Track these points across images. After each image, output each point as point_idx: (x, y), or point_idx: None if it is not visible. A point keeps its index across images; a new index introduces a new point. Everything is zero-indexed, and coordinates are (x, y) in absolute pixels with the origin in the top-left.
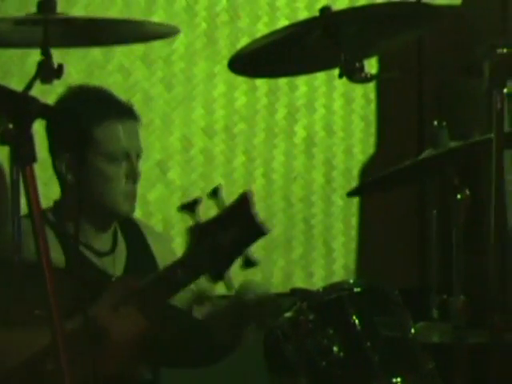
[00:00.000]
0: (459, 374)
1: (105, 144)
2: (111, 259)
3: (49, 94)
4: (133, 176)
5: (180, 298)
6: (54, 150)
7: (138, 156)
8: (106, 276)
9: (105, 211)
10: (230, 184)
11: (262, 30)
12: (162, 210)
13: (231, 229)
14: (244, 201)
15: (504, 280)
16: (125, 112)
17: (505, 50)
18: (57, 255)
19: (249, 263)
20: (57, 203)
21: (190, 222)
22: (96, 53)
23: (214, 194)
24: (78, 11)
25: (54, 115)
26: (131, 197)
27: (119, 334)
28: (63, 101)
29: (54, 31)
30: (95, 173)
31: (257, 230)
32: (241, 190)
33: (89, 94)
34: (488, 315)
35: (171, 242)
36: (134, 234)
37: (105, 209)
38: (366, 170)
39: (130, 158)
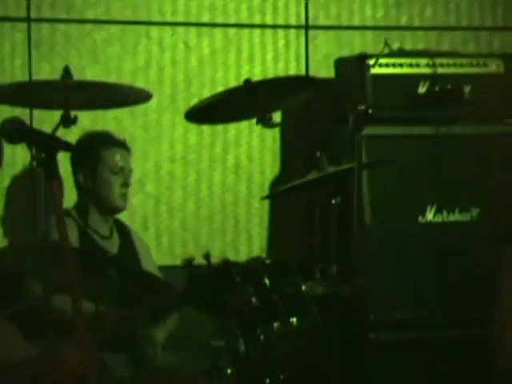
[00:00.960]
0: (334, 314)
1: (109, 162)
2: (110, 242)
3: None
4: (125, 184)
5: None
6: (75, 167)
7: (130, 171)
8: (105, 252)
9: (107, 206)
10: (185, 193)
11: (206, 93)
12: (141, 212)
13: None
14: None
15: (363, 255)
16: (120, 144)
17: (363, 107)
18: (74, 239)
19: None
20: (76, 203)
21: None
22: None
23: (206, 257)
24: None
25: (71, 148)
26: (125, 197)
27: None
28: (82, 139)
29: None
30: (102, 181)
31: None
32: (193, 197)
33: (98, 134)
34: (351, 278)
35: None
36: (123, 230)
37: (108, 204)
38: (274, 185)
39: (124, 171)
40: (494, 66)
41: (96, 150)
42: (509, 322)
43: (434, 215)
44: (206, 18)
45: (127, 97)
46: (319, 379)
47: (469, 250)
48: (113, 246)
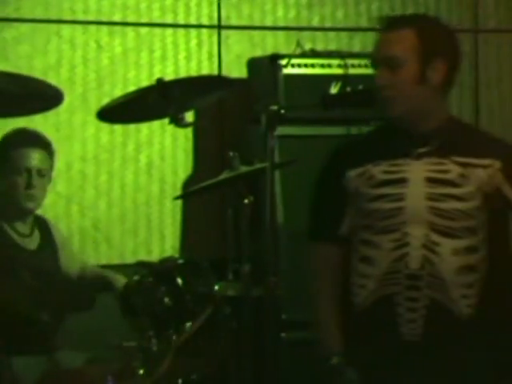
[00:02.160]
0: (245, 315)
1: (15, 162)
2: (29, 240)
3: None
4: (29, 185)
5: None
6: None
7: (39, 171)
8: (22, 249)
9: (14, 206)
10: (97, 193)
11: (118, 93)
12: (52, 212)
13: None
14: None
15: (276, 255)
16: (33, 144)
17: (275, 107)
18: None
19: None
20: None
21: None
22: None
23: None
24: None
25: None
26: (31, 198)
27: None
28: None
29: None
30: (8, 182)
31: None
32: (105, 197)
33: (12, 133)
34: (263, 278)
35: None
36: (45, 227)
37: (13, 205)
38: (187, 184)
39: (31, 172)
40: None
41: (5, 150)
42: None
43: None
44: (117, 17)
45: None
46: (231, 378)
47: None
48: (32, 243)
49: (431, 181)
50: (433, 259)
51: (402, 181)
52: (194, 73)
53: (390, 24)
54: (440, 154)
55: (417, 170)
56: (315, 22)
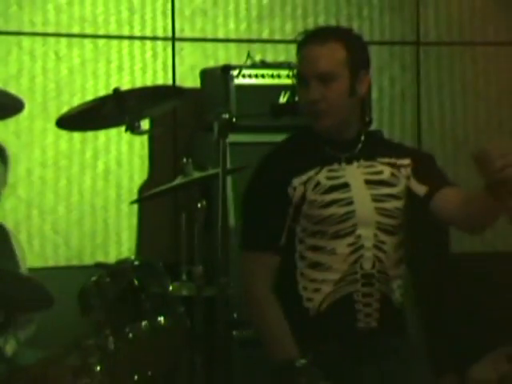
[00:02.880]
0: (198, 314)
1: None
2: None
3: None
4: None
5: None
6: None
7: None
8: None
9: None
10: (56, 198)
11: (76, 102)
12: (12, 216)
13: None
14: None
15: (228, 257)
16: None
17: (227, 115)
18: None
19: None
20: None
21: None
22: None
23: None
24: None
25: None
26: None
27: None
28: None
29: None
30: None
31: None
32: (64, 201)
33: None
34: (215, 278)
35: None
36: (2, 233)
37: None
38: (142, 189)
39: None
40: None
41: None
42: None
43: None
44: (76, 29)
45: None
46: (185, 376)
47: None
48: None
49: (369, 183)
50: (381, 257)
51: (345, 185)
52: (149, 83)
53: (316, 37)
54: (367, 157)
55: (354, 174)
56: (265, 35)
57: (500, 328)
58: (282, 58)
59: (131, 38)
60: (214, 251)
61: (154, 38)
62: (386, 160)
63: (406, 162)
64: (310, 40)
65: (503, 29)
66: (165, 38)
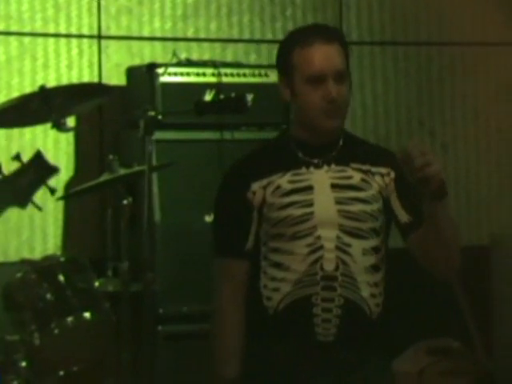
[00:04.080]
0: (124, 310)
1: None
2: None
3: None
4: None
5: None
6: None
7: None
8: None
9: None
10: None
11: (2, 99)
12: None
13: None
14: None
15: (153, 253)
16: None
17: (153, 113)
18: None
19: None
20: None
21: None
22: None
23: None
24: None
25: None
26: None
27: None
28: None
29: None
30: None
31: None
32: None
33: None
34: (141, 274)
35: None
36: None
37: None
38: (68, 186)
39: None
40: (274, 76)
41: None
42: None
43: None
44: (1, 27)
45: None
46: (111, 370)
47: None
48: None
49: (336, 186)
50: (345, 260)
51: (308, 188)
52: (75, 80)
53: (324, 36)
54: (340, 163)
55: (321, 178)
56: (190, 33)
57: (421, 322)
58: (206, 57)
59: (57, 35)
60: (139, 247)
61: (80, 36)
62: (359, 166)
63: (384, 170)
64: (317, 38)
65: (423, 29)
66: (91, 36)
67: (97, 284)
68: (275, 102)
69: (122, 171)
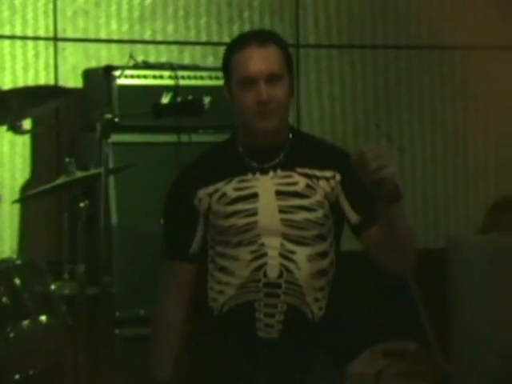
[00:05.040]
0: (81, 313)
1: None
2: None
3: None
4: None
5: None
6: None
7: None
8: None
9: None
10: None
11: None
12: None
13: None
14: None
15: (110, 256)
16: None
17: (109, 116)
18: None
19: None
20: None
21: None
22: None
23: None
24: None
25: None
26: None
27: None
28: None
29: None
30: None
31: None
32: None
33: None
34: (98, 277)
35: None
36: None
37: None
38: (25, 189)
39: None
40: None
41: None
42: None
43: None
44: None
45: None
46: (68, 374)
47: None
48: None
49: (280, 194)
50: (290, 267)
51: (253, 196)
52: (31, 82)
53: (258, 40)
54: (286, 168)
55: (266, 185)
56: (147, 36)
57: (378, 325)
58: (163, 59)
59: (13, 37)
60: (96, 250)
61: (36, 38)
62: (305, 171)
63: (328, 174)
64: (252, 42)
65: (380, 32)
66: (47, 38)
67: (53, 287)
68: None
69: (79, 174)
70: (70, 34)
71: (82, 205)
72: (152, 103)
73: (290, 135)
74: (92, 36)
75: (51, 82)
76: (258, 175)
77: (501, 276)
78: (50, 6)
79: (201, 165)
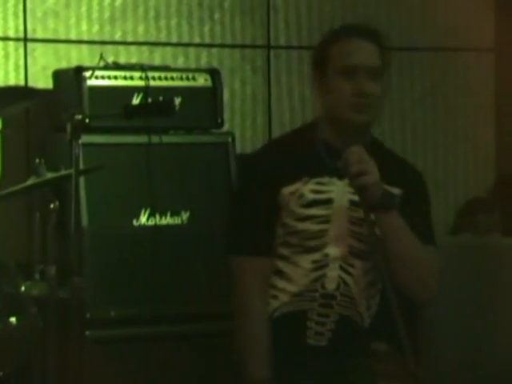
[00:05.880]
0: (51, 314)
1: None
2: None
3: None
4: None
5: None
6: None
7: None
8: None
9: None
10: None
11: None
12: None
13: None
14: None
15: (81, 257)
16: None
17: (80, 117)
18: None
19: None
20: None
21: None
22: None
23: None
24: None
25: None
26: None
27: None
28: None
29: None
30: None
31: None
32: None
33: None
34: (69, 278)
35: None
36: None
37: None
38: None
39: None
40: (202, 80)
41: None
42: None
43: (148, 219)
44: None
45: None
46: (38, 376)
47: (179, 251)
48: None
49: (353, 204)
50: (347, 280)
51: (328, 202)
52: (0, 83)
53: (364, 33)
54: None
55: (341, 191)
56: (118, 37)
57: None
58: (134, 60)
59: None
60: (67, 251)
61: (6, 39)
62: None
63: (395, 191)
64: (358, 34)
65: None
66: (16, 39)
67: (23, 288)
68: (203, 105)
69: (49, 175)
70: (40, 35)
71: (52, 206)
72: (123, 104)
73: (371, 142)
74: (62, 37)
75: (21, 82)
76: (335, 179)
77: (472, 277)
78: (20, 6)
79: (280, 156)
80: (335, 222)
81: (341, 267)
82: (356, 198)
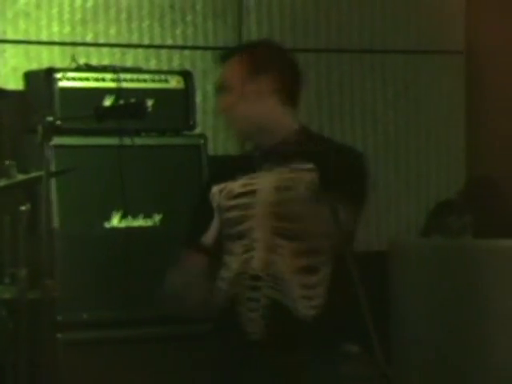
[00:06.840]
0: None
1: None
2: None
3: None
4: None
5: None
6: None
7: None
8: None
9: None
10: None
11: None
12: None
13: None
14: None
15: (52, 259)
16: None
17: (51, 118)
18: None
19: None
20: None
21: None
22: None
23: None
24: None
25: None
26: None
27: None
28: None
29: None
30: None
31: None
32: None
33: None
34: (40, 281)
35: None
36: None
37: None
38: None
39: None
40: (174, 82)
41: None
42: None
43: (120, 221)
44: None
45: None
46: (8, 379)
47: (152, 253)
48: None
49: (278, 189)
50: (275, 260)
51: (253, 192)
52: None
53: (226, 53)
54: (283, 163)
55: (266, 181)
56: (89, 38)
57: None
58: (106, 62)
59: None
60: (38, 254)
61: None
62: (293, 165)
63: (308, 166)
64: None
65: (323, 36)
66: None
67: None
68: (175, 107)
69: (20, 177)
70: (10, 36)
71: (23, 208)
72: (94, 106)
73: (293, 133)
74: (33, 38)
75: None
76: (264, 173)
77: (443, 278)
78: None
79: (224, 165)
80: (258, 206)
81: (267, 248)
82: (280, 183)
